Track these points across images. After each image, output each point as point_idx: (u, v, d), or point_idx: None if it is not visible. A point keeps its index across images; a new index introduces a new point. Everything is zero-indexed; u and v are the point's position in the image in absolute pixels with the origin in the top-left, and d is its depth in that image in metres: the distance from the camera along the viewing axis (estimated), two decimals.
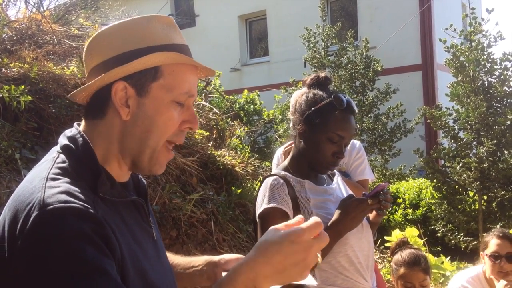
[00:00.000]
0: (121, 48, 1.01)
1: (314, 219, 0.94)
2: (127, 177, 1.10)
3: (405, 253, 2.51)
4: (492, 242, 2.80)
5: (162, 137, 1.03)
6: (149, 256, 1.04)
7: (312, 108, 1.78)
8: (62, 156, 0.99)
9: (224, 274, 1.22)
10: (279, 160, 2.81)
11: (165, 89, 1.02)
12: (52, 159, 0.99)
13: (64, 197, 0.87)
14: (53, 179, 0.92)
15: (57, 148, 1.03)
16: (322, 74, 1.85)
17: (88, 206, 0.89)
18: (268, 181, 1.76)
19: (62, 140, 1.03)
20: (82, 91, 1.04)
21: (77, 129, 1.04)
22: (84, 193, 0.91)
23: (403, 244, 2.61)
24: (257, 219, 1.75)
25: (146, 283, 0.97)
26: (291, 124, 1.90)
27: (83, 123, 1.06)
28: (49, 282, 0.81)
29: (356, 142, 2.87)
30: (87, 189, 0.93)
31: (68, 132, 1.05)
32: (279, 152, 2.88)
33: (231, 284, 0.93)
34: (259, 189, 1.81)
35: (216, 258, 1.28)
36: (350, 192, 1.98)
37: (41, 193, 0.88)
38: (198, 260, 1.29)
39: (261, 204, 1.72)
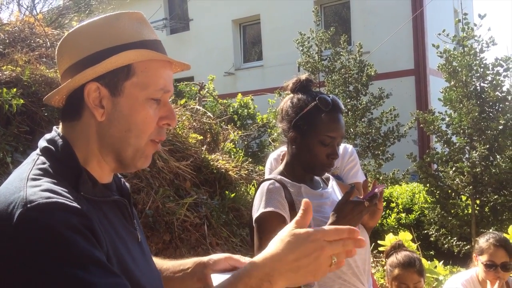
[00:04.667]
0: (91, 49, 1.00)
1: (334, 227, 0.96)
2: (110, 178, 1.09)
3: (400, 255, 2.52)
4: (488, 250, 2.79)
5: (142, 135, 1.02)
6: (134, 256, 1.03)
7: (299, 114, 1.77)
8: (42, 158, 0.98)
9: (213, 275, 1.21)
10: (272, 165, 2.81)
11: (139, 87, 1.01)
12: (32, 161, 0.98)
13: (47, 194, 0.87)
14: (34, 179, 0.92)
15: (37, 151, 1.02)
16: (302, 77, 1.84)
17: (73, 200, 0.88)
18: (265, 185, 1.75)
19: (42, 143, 1.03)
20: (56, 94, 1.03)
21: (56, 131, 1.04)
22: (67, 191, 0.91)
23: (398, 247, 2.62)
24: (253, 224, 1.73)
25: (131, 282, 0.96)
26: (280, 131, 1.89)
27: (61, 126, 1.06)
28: (45, 275, 0.80)
29: (348, 146, 2.89)
30: (69, 188, 0.93)
31: (48, 135, 1.04)
32: (272, 157, 2.88)
33: (247, 276, 0.93)
34: (255, 193, 1.80)
35: (205, 258, 1.26)
36: None
37: (23, 192, 0.87)
38: (187, 263, 1.28)
39: (258, 208, 1.71)
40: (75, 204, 0.87)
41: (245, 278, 0.93)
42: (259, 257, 0.96)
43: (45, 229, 0.82)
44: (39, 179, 0.92)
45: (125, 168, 1.07)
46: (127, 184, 1.20)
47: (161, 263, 1.31)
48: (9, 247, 0.82)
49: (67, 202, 0.86)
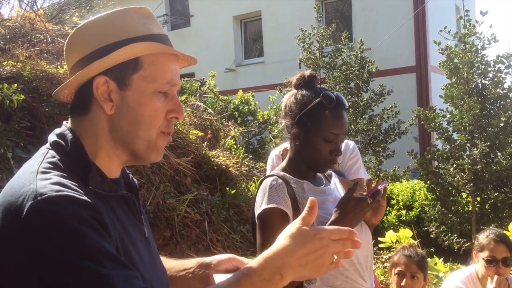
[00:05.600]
0: (99, 43, 1.00)
1: (337, 227, 1.03)
2: (118, 173, 1.09)
3: (406, 249, 2.55)
4: (488, 246, 2.79)
5: (151, 128, 1.03)
6: (141, 252, 1.03)
7: (303, 110, 1.76)
8: (52, 152, 0.99)
9: (216, 276, 1.21)
10: (274, 161, 2.80)
11: (147, 80, 1.01)
12: (41, 155, 0.99)
13: (57, 187, 0.87)
14: (44, 173, 0.92)
15: (46, 145, 1.02)
16: (307, 73, 1.83)
17: (82, 194, 0.88)
18: (268, 181, 1.74)
19: (52, 137, 1.03)
20: (64, 89, 1.03)
21: (66, 126, 1.04)
22: (76, 185, 0.91)
23: (410, 247, 2.64)
24: (256, 220, 1.73)
25: None
26: (282, 126, 1.88)
27: (70, 120, 1.06)
28: (56, 268, 0.80)
29: (350, 143, 2.89)
30: (78, 182, 0.93)
31: (58, 129, 1.05)
32: (273, 153, 2.88)
33: (260, 269, 0.98)
34: (257, 189, 1.79)
35: (208, 259, 1.26)
36: None
37: (33, 185, 0.87)
38: (191, 263, 1.28)
39: (261, 204, 1.70)
40: (85, 198, 0.88)
41: (259, 270, 0.97)
42: (270, 251, 1.00)
43: (56, 221, 0.82)
44: (48, 173, 0.92)
45: (138, 161, 1.08)
46: (135, 179, 1.20)
47: (165, 261, 1.30)
48: (20, 239, 0.82)
49: (77, 195, 0.87)
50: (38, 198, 0.84)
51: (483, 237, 2.85)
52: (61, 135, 1.01)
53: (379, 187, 1.68)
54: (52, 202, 0.84)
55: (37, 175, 0.91)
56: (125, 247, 0.95)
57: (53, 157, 0.97)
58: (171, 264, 1.30)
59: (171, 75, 1.04)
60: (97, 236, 0.84)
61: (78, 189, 0.89)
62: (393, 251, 2.67)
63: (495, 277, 2.70)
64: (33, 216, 0.83)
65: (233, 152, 5.39)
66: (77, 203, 0.86)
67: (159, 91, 1.02)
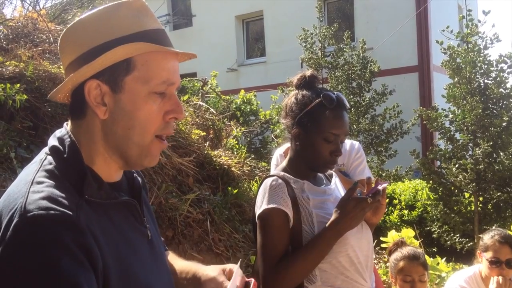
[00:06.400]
0: (89, 44, 0.96)
1: None
2: (119, 176, 1.07)
3: (404, 249, 2.54)
4: (493, 246, 2.78)
5: (146, 132, 0.98)
6: (142, 257, 1.02)
7: (303, 111, 1.76)
8: (50, 158, 0.97)
9: None
10: (278, 161, 2.80)
11: (141, 82, 0.96)
12: (39, 161, 0.97)
13: (45, 203, 0.85)
14: (38, 183, 0.90)
15: (45, 149, 1.00)
16: (308, 73, 1.82)
17: (70, 213, 0.86)
18: (268, 181, 1.75)
19: (51, 141, 1.01)
20: (58, 93, 1.00)
21: (65, 129, 1.01)
22: (68, 198, 0.89)
23: (401, 244, 2.62)
24: (256, 220, 1.73)
25: (137, 285, 0.96)
26: (283, 127, 1.89)
27: (69, 123, 1.03)
28: None
29: (355, 143, 2.89)
30: (72, 193, 0.91)
31: (58, 132, 1.02)
32: (278, 153, 2.88)
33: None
34: (258, 189, 1.80)
35: (199, 273, 1.22)
36: None
37: (23, 199, 0.86)
38: (189, 272, 1.26)
39: (261, 205, 1.70)
40: (72, 217, 0.86)
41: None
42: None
43: (31, 244, 0.82)
44: (43, 183, 0.90)
45: (131, 167, 1.05)
46: (139, 178, 1.17)
47: (173, 261, 1.30)
48: (2, 256, 0.82)
49: (63, 215, 0.85)
50: (27, 215, 0.83)
51: (488, 238, 2.84)
52: (60, 140, 0.99)
53: (379, 187, 1.68)
54: (34, 223, 0.83)
55: (31, 186, 0.89)
56: (121, 257, 0.94)
57: (50, 164, 0.95)
58: (177, 267, 1.30)
59: (167, 74, 0.99)
60: (71, 263, 0.82)
61: (68, 203, 0.87)
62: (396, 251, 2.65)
63: (495, 277, 2.70)
64: (15, 236, 0.82)
65: (235, 152, 5.39)
66: (61, 224, 0.84)
67: (154, 92, 0.97)
